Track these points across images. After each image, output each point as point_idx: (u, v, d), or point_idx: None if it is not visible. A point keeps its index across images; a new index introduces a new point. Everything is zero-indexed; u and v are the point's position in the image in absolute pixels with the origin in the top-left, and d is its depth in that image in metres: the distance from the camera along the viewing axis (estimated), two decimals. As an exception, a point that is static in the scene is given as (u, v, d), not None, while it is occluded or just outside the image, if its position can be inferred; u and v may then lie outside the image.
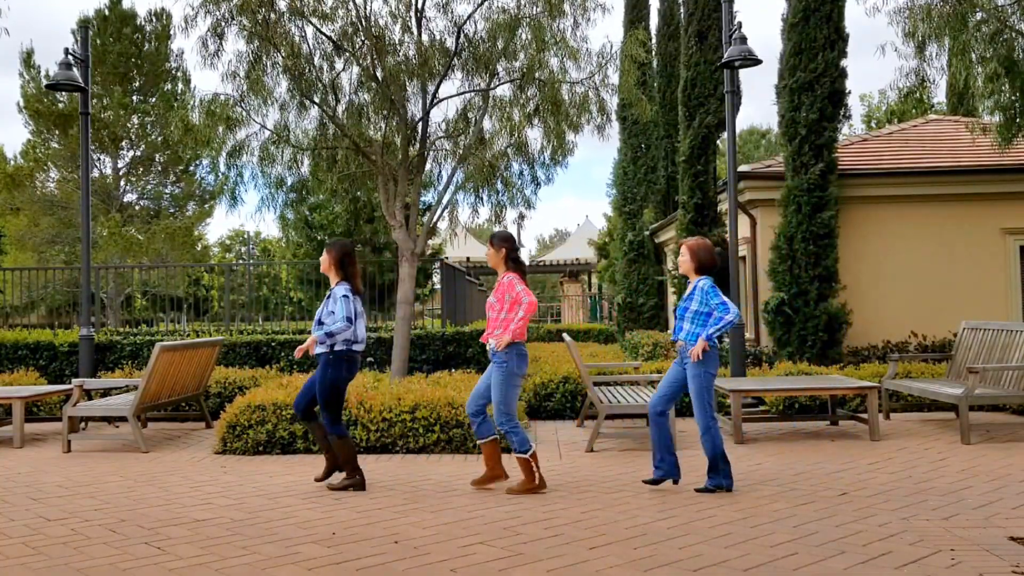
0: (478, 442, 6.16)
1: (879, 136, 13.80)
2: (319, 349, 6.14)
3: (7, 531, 5.14)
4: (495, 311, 6.03)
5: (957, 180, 11.60)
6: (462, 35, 9.74)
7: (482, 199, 10.36)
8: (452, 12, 9.88)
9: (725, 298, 5.90)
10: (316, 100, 9.99)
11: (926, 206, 11.65)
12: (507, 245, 6.09)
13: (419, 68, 9.56)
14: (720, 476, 5.92)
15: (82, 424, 9.26)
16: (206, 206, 26.10)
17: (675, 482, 6.09)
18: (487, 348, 6.08)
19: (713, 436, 5.92)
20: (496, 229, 10.92)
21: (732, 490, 5.93)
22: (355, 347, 6.17)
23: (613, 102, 10.28)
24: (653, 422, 6.10)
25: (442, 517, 5.31)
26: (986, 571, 4.07)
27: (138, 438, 8.05)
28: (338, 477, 6.34)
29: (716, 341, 5.91)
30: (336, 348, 6.09)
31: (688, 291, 6.09)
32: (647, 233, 17.68)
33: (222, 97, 9.71)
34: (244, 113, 9.84)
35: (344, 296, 6.08)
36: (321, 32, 9.76)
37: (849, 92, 11.02)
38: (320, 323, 6.14)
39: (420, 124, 10.04)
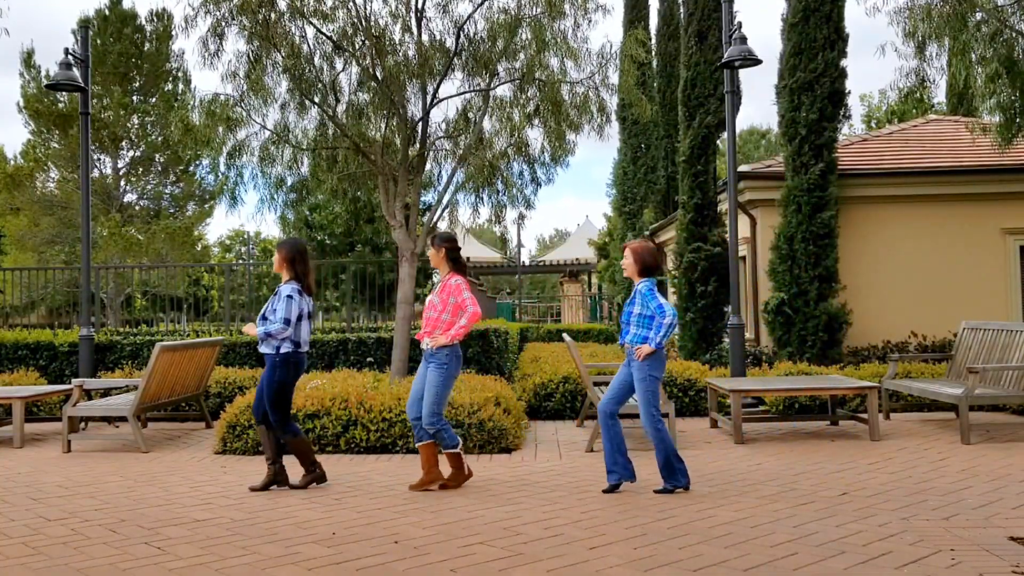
0: (416, 444, 6.21)
1: (879, 136, 13.80)
2: (265, 350, 6.13)
3: (7, 531, 5.15)
4: (436, 311, 6.09)
5: (957, 180, 11.61)
6: (462, 35, 9.74)
7: (482, 199, 10.37)
8: (452, 12, 9.89)
9: (662, 300, 5.87)
10: (316, 100, 9.99)
11: (926, 206, 11.65)
12: (447, 245, 6.21)
13: (419, 68, 9.57)
14: (677, 476, 5.89)
15: (82, 424, 9.26)
16: (206, 206, 26.10)
17: (631, 482, 6.05)
18: (421, 347, 6.16)
19: (663, 438, 5.88)
20: (496, 229, 10.95)
21: (690, 489, 5.92)
22: (301, 348, 6.17)
23: (613, 102, 10.29)
24: (604, 425, 6.03)
25: (442, 517, 5.31)
26: (986, 571, 4.07)
27: (138, 438, 8.05)
28: (298, 477, 6.37)
29: (663, 344, 5.85)
30: (282, 350, 6.08)
31: (631, 295, 6.08)
32: (647, 233, 17.67)
33: (222, 97, 9.72)
34: (244, 113, 9.85)
35: (288, 296, 6.06)
36: (321, 32, 9.76)
37: (849, 92, 11.03)
38: (264, 319, 6.14)
39: (420, 124, 10.04)
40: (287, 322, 6.01)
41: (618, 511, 5.40)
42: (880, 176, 11.66)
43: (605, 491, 5.98)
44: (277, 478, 6.23)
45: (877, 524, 4.96)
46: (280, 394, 6.15)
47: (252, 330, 6.24)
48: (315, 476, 6.28)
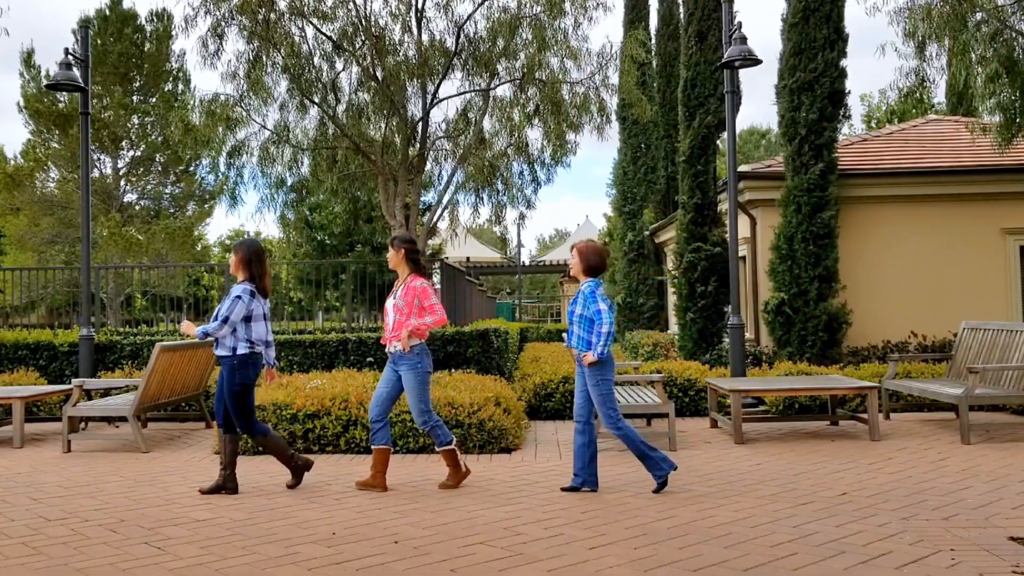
0: (372, 447, 6.19)
1: (879, 136, 13.79)
2: (221, 352, 6.06)
3: (7, 531, 5.14)
4: (402, 315, 6.06)
5: (957, 180, 11.60)
6: (462, 35, 9.75)
7: (482, 199, 10.41)
8: (452, 12, 9.91)
9: (603, 304, 5.82)
10: (316, 100, 10.01)
11: (926, 206, 11.65)
12: (407, 246, 6.21)
13: (419, 68, 9.59)
14: (657, 464, 5.88)
15: (82, 424, 9.26)
16: (206, 206, 26.10)
17: (593, 490, 6.00)
18: (388, 351, 6.16)
19: (626, 434, 5.88)
20: (496, 229, 10.96)
21: (676, 467, 5.92)
22: (256, 348, 6.10)
23: (613, 102, 10.33)
24: (579, 433, 6.05)
25: (442, 517, 5.31)
26: (986, 571, 4.07)
27: (138, 438, 8.05)
28: (290, 477, 6.35)
29: (607, 351, 5.82)
30: (239, 352, 6.01)
31: (576, 295, 6.07)
32: (647, 233, 17.68)
33: (222, 97, 9.74)
34: (244, 113, 9.87)
35: (237, 297, 6.00)
36: (321, 32, 9.77)
37: (849, 92, 11.02)
38: (216, 318, 6.07)
39: (420, 124, 10.05)
40: (226, 321, 5.93)
41: (618, 511, 5.40)
42: (880, 176, 11.65)
43: (564, 489, 6.00)
44: (226, 484, 6.14)
45: (877, 524, 4.96)
46: (242, 396, 6.09)
47: (190, 329, 6.12)
48: (300, 467, 6.21)
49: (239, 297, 6.01)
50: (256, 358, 6.12)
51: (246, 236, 51.21)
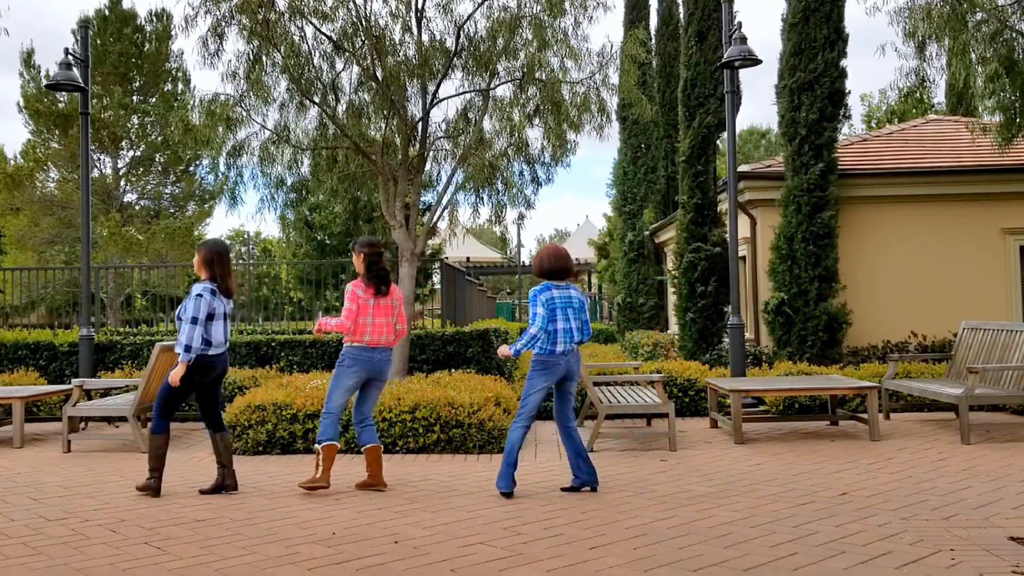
0: (362, 449, 6.27)
1: (879, 136, 13.79)
2: (179, 349, 5.99)
3: (7, 531, 5.15)
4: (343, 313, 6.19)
5: (957, 180, 11.60)
6: (462, 35, 9.74)
7: (482, 199, 10.37)
8: (452, 12, 9.88)
9: (539, 308, 5.83)
10: (316, 100, 10.00)
11: (926, 206, 11.65)
12: (366, 250, 6.26)
13: (419, 68, 9.57)
14: (501, 476, 5.86)
15: (82, 424, 9.26)
16: (206, 206, 26.06)
17: (593, 489, 6.01)
18: None
19: (510, 437, 5.89)
20: (496, 229, 10.95)
21: (508, 495, 5.84)
22: (212, 351, 6.03)
23: (613, 102, 10.29)
24: (560, 433, 6.10)
25: (442, 517, 5.31)
26: (986, 571, 4.07)
27: (138, 438, 8.05)
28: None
29: (540, 355, 5.82)
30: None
31: None
32: (647, 233, 17.68)
33: (222, 97, 9.72)
34: (244, 113, 9.85)
35: (198, 295, 5.96)
36: (321, 32, 9.76)
37: (849, 92, 11.03)
38: (180, 319, 6.01)
39: (420, 124, 10.04)
40: (195, 320, 5.89)
41: (618, 511, 5.40)
42: (880, 176, 11.66)
43: (564, 488, 6.02)
44: (226, 483, 6.15)
45: (877, 524, 4.96)
46: (179, 391, 6.06)
47: (175, 375, 6.00)
48: (151, 485, 6.06)
49: (200, 295, 5.97)
50: (211, 361, 6.04)
51: (247, 235, 51.26)
